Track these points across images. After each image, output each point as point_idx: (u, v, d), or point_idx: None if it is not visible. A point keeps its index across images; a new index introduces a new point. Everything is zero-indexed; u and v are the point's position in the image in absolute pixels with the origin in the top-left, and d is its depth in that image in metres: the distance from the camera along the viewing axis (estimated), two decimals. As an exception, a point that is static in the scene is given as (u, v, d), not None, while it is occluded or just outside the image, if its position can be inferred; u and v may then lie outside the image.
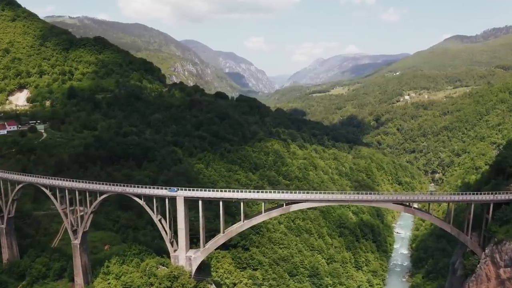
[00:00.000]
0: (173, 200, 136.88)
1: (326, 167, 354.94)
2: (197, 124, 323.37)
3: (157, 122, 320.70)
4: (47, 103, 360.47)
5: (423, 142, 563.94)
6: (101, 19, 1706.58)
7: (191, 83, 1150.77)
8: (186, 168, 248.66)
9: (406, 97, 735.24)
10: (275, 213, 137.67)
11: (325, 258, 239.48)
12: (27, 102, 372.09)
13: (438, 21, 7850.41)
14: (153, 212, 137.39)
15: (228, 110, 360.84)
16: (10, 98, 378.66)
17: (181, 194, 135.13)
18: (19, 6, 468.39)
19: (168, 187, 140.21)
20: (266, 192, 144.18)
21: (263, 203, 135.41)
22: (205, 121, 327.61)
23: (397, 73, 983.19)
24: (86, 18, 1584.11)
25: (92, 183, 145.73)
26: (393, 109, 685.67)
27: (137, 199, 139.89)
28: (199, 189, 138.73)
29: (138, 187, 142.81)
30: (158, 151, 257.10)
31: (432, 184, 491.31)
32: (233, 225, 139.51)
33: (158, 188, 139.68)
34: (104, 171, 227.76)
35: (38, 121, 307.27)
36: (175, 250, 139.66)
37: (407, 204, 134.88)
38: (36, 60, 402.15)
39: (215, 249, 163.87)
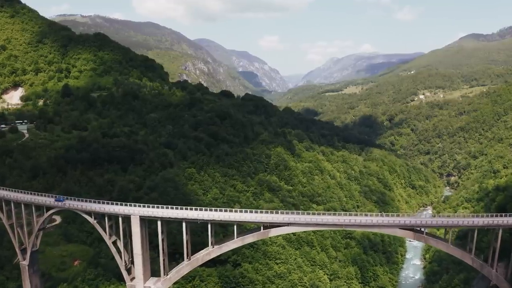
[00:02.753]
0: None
1: (334, 170, 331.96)
2: (195, 124, 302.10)
3: (153, 122, 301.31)
4: (40, 102, 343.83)
5: (438, 144, 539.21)
6: (113, 18, 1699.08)
7: (202, 82, 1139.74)
8: (176, 172, 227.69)
9: (421, 96, 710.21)
10: (250, 238, 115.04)
11: (327, 274, 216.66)
12: (21, 100, 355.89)
13: (453, 20, 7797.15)
14: (105, 232, 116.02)
15: (230, 109, 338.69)
16: (4, 96, 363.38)
17: (136, 212, 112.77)
18: (19, 2, 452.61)
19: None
20: (240, 211, 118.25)
21: (235, 226, 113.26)
22: (204, 121, 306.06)
23: (412, 72, 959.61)
24: (97, 17, 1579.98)
25: (40, 195, 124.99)
26: (407, 109, 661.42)
27: (86, 216, 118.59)
28: (157, 206, 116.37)
29: (88, 201, 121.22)
30: (147, 153, 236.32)
31: (448, 187, 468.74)
32: (200, 252, 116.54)
33: (110, 204, 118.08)
34: (85, 176, 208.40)
35: (25, 121, 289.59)
36: (132, 279, 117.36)
37: (419, 229, 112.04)
38: (33, 57, 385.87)
39: (199, 266, 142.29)
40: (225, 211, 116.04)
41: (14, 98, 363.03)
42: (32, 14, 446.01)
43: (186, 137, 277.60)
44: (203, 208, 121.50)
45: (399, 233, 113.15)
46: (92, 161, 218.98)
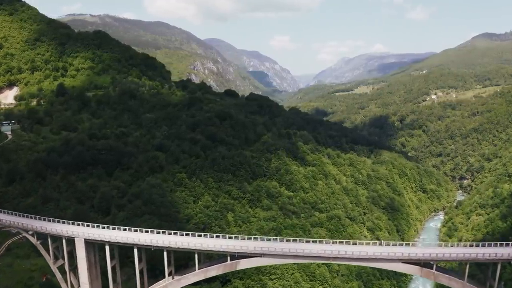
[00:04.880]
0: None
1: (340, 174, 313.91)
2: (193, 125, 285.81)
3: (148, 123, 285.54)
4: (34, 101, 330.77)
5: (450, 145, 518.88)
6: (123, 17, 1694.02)
7: (211, 82, 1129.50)
8: (165, 177, 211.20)
9: (433, 96, 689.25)
10: (214, 271, 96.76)
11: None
12: (15, 100, 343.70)
13: (466, 19, 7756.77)
14: (49, 255, 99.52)
15: (231, 109, 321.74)
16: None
17: (80, 234, 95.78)
18: (18, 0, 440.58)
19: None
20: (205, 235, 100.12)
21: (196, 255, 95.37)
22: (203, 121, 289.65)
23: (424, 72, 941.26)
24: (107, 16, 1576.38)
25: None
26: (419, 109, 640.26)
27: (28, 235, 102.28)
28: (107, 226, 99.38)
29: (30, 217, 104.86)
30: (136, 157, 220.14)
31: (460, 191, 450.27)
32: (156, 284, 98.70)
33: (56, 222, 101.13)
34: (66, 181, 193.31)
35: (13, 121, 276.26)
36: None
37: (428, 262, 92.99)
38: (29, 55, 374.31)
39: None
40: (186, 235, 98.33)
41: (8, 98, 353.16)
42: (31, 12, 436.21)
43: (181, 139, 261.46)
44: (160, 231, 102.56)
45: (401, 268, 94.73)
46: (75, 165, 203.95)
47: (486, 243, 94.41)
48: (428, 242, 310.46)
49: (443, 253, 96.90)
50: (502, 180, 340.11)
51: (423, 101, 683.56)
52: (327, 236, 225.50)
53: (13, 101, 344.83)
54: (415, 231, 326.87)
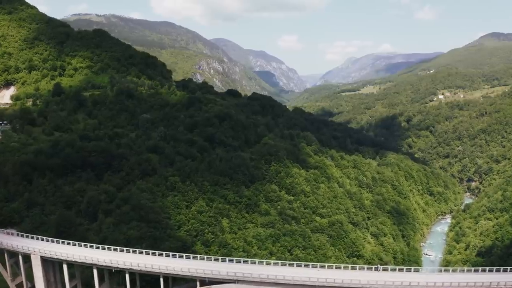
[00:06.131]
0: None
1: (344, 177, 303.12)
2: (191, 125, 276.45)
3: (145, 123, 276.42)
4: (30, 101, 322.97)
5: (458, 146, 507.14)
6: (129, 17, 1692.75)
7: (217, 81, 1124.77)
8: (157, 181, 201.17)
9: (440, 96, 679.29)
10: None
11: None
12: (11, 100, 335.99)
13: (473, 19, 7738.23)
14: (7, 272, 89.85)
15: (231, 110, 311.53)
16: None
17: (36, 250, 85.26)
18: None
19: None
20: (174, 256, 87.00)
21: (161, 279, 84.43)
22: (201, 122, 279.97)
23: (431, 71, 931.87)
24: (113, 16, 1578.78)
25: None
26: (426, 109, 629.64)
27: None
28: (67, 242, 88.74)
29: None
30: (127, 159, 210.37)
31: (468, 193, 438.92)
32: None
33: (14, 235, 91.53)
34: (53, 185, 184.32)
35: (5, 122, 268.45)
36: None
37: None
38: (27, 54, 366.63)
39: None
40: (153, 254, 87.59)
41: (5, 98, 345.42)
42: (31, 11, 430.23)
43: (178, 140, 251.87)
44: (124, 248, 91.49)
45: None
46: (63, 167, 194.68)
47: (501, 268, 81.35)
48: (435, 244, 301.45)
49: (450, 281, 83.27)
50: (511, 182, 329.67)
51: (430, 101, 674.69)
52: (328, 242, 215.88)
53: (10, 101, 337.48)
54: (421, 235, 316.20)
